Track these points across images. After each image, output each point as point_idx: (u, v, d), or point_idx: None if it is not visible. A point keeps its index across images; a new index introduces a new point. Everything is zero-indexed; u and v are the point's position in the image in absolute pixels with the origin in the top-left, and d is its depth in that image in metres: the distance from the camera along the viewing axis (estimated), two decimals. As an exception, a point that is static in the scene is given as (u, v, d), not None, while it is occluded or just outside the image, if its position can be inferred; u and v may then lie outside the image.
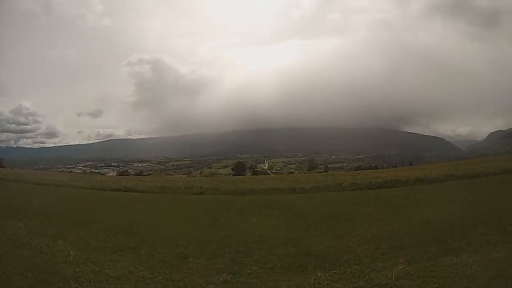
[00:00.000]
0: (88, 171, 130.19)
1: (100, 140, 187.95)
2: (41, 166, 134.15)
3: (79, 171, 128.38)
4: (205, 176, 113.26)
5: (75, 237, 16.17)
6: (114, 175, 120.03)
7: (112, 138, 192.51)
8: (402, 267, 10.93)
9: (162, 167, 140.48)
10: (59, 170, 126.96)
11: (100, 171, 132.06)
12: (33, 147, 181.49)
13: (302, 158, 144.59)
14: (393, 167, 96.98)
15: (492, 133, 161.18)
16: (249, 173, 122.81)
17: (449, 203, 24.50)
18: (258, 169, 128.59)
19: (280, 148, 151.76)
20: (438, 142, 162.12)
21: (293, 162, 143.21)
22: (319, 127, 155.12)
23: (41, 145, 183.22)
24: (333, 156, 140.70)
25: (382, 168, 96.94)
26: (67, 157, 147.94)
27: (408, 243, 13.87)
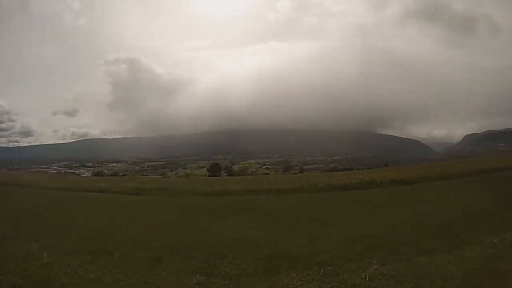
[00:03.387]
0: (63, 171, 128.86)
1: (75, 140, 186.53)
2: (15, 166, 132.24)
3: (54, 172, 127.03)
4: (180, 177, 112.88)
5: (49, 240, 15.95)
6: (89, 175, 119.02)
7: (87, 137, 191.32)
8: (376, 267, 11.02)
9: (137, 167, 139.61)
10: (34, 170, 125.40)
11: (75, 171, 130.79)
12: (8, 146, 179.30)
13: (277, 160, 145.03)
14: (368, 168, 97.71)
15: (467, 135, 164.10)
16: (224, 174, 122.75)
17: (424, 204, 24.82)
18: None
19: (255, 150, 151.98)
20: (413, 145, 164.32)
21: (268, 163, 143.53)
22: (294, 129, 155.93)
23: (16, 144, 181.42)
24: (308, 158, 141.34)
25: (357, 169, 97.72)
26: (42, 157, 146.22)
27: (382, 243, 13.98)
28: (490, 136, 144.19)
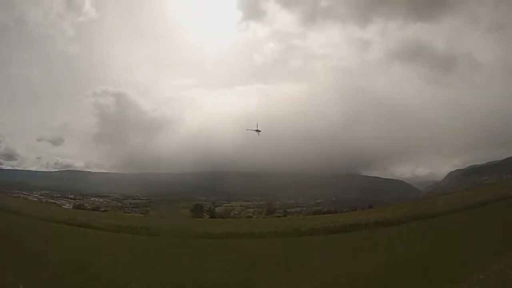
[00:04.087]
0: (44, 200, 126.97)
1: (59, 170, 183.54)
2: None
3: (35, 199, 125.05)
4: (162, 216, 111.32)
5: (26, 270, 15.54)
6: (70, 207, 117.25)
7: (71, 168, 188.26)
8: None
9: (120, 204, 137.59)
10: (14, 195, 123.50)
11: (56, 201, 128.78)
12: None
13: (261, 202, 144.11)
14: (352, 210, 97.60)
15: (451, 172, 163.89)
16: (207, 215, 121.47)
17: (409, 244, 24.72)
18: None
19: (238, 192, 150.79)
20: (397, 184, 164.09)
21: (252, 206, 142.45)
22: (278, 172, 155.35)
23: None
24: (292, 201, 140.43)
25: (342, 212, 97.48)
26: (24, 182, 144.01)
27: (367, 285, 13.79)
28: (474, 171, 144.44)
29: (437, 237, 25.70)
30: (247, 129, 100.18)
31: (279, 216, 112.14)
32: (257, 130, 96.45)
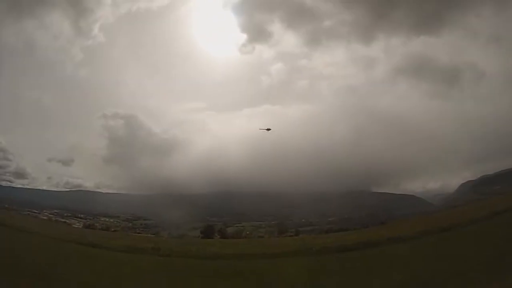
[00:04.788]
0: (54, 218, 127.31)
1: (69, 189, 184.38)
2: (6, 206, 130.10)
3: (45, 218, 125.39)
4: (173, 237, 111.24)
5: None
6: (80, 226, 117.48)
7: (81, 189, 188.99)
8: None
9: (130, 224, 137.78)
10: (24, 213, 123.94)
11: (66, 220, 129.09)
12: (1, 184, 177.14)
13: (272, 222, 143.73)
14: (365, 227, 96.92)
15: (462, 184, 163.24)
16: (218, 236, 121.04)
17: (423, 260, 24.30)
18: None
19: (249, 212, 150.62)
20: (409, 199, 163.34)
21: (263, 226, 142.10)
22: (289, 192, 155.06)
23: (9, 184, 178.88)
24: (303, 220, 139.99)
25: (354, 229, 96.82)
26: (34, 201, 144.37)
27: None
28: (485, 181, 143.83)
29: (451, 251, 25.33)
30: (259, 128, 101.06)
31: (291, 236, 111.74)
32: (267, 129, 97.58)
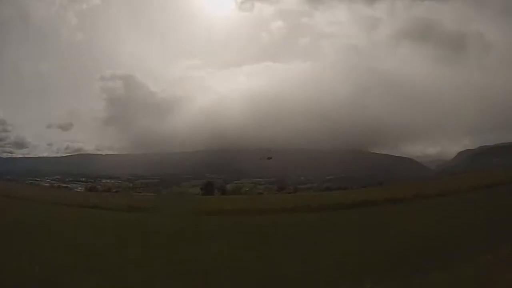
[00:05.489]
0: (56, 185, 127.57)
1: (69, 154, 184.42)
2: (8, 177, 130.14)
3: (47, 185, 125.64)
4: (174, 195, 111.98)
5: (41, 254, 15.72)
6: (82, 190, 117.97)
7: (82, 152, 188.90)
8: (369, 287, 10.88)
9: (131, 184, 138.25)
10: (27, 182, 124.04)
11: (68, 185, 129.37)
12: (2, 156, 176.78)
13: (271, 179, 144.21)
14: (362, 187, 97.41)
15: (460, 152, 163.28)
16: (218, 193, 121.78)
17: (419, 222, 24.70)
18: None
19: (249, 169, 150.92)
20: (407, 163, 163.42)
21: (262, 182, 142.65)
22: (288, 149, 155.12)
23: (10, 155, 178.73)
24: (302, 177, 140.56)
25: (352, 189, 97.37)
26: (35, 169, 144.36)
27: (377, 263, 13.84)
28: (484, 152, 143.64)
29: (447, 216, 25.64)
30: (260, 159, 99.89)
31: (289, 193, 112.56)
32: (268, 158, 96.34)
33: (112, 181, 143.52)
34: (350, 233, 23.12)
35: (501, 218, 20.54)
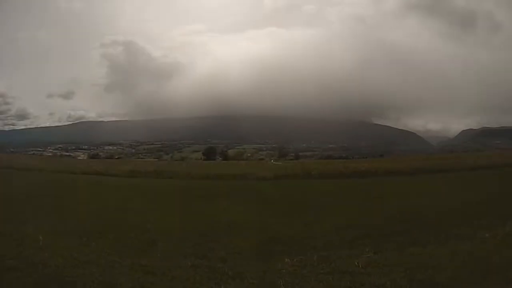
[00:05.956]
0: (59, 154, 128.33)
1: (71, 122, 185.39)
2: (11, 150, 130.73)
3: (50, 154, 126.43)
4: (175, 160, 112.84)
5: (44, 222, 15.92)
6: (85, 158, 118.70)
7: (83, 120, 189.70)
8: (368, 255, 11.06)
9: (133, 150, 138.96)
10: (30, 153, 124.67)
11: (71, 154, 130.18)
12: (4, 129, 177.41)
13: (273, 145, 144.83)
14: (363, 158, 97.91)
15: (463, 131, 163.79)
16: (220, 158, 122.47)
17: (418, 196, 24.91)
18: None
19: (251, 135, 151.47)
20: (409, 136, 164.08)
21: (264, 149, 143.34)
22: (290, 116, 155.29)
23: (12, 128, 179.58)
24: (304, 145, 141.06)
25: (353, 158, 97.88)
26: (38, 139, 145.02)
27: (376, 232, 14.03)
28: (486, 133, 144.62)
29: (446, 192, 25.81)
30: (270, 161, 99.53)
31: (291, 159, 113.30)
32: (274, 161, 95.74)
33: (115, 147, 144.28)
34: (350, 202, 23.34)
35: (501, 199, 20.74)
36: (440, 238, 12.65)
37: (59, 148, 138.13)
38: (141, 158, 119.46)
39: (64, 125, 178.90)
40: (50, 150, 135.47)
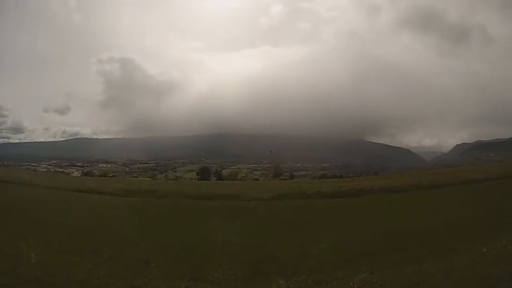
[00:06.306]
0: (52, 169, 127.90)
1: (66, 138, 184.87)
2: (5, 163, 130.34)
3: (44, 170, 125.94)
4: (170, 179, 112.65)
5: (38, 238, 15.79)
6: (78, 175, 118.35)
7: (78, 136, 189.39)
8: (364, 275, 10.98)
9: (127, 169, 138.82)
10: (23, 167, 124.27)
11: (65, 170, 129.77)
12: None
13: (268, 165, 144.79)
14: (358, 176, 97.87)
15: (457, 145, 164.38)
16: (214, 178, 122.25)
17: (413, 212, 24.88)
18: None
19: (245, 154, 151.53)
20: (403, 153, 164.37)
21: (259, 168, 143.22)
22: (285, 135, 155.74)
23: (7, 141, 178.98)
24: (298, 164, 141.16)
25: (347, 177, 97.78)
26: (32, 154, 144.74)
27: (371, 251, 13.97)
28: (480, 146, 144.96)
29: (441, 207, 25.82)
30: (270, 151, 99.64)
31: (285, 179, 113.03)
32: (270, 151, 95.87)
33: (109, 165, 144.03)
34: (345, 220, 23.27)
35: (496, 212, 20.74)
36: (436, 254, 12.60)
37: (53, 164, 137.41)
38: (135, 177, 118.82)
39: (59, 141, 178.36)
40: (44, 165, 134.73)
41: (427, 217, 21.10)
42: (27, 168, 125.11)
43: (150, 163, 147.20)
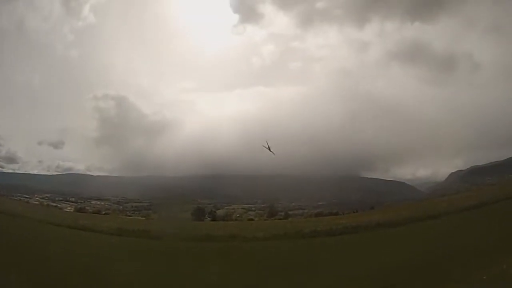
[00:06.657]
0: (45, 203, 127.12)
1: (60, 173, 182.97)
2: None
3: (36, 202, 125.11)
4: (163, 220, 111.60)
5: (29, 273, 15.49)
6: (71, 210, 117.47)
7: (72, 172, 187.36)
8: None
9: (121, 207, 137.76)
10: (16, 198, 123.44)
11: (58, 205, 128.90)
12: None
13: (262, 205, 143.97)
14: (354, 212, 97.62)
15: (452, 173, 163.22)
16: (208, 218, 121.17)
17: (411, 245, 24.80)
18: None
19: (239, 195, 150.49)
20: (398, 186, 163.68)
21: (253, 208, 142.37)
22: (279, 174, 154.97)
23: (0, 170, 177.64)
24: (293, 203, 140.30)
25: (343, 214, 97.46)
26: (25, 185, 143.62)
27: (371, 287, 13.81)
28: (475, 172, 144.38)
29: (439, 238, 25.80)
30: (263, 146, 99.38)
31: (280, 219, 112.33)
32: (269, 148, 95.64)
33: (102, 202, 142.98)
34: (343, 258, 23.06)
35: (494, 237, 20.62)
36: (436, 284, 12.43)
37: (46, 197, 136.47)
38: (129, 216, 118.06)
39: (52, 175, 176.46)
40: (37, 197, 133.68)
41: (425, 249, 21.08)
42: (20, 199, 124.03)
43: (144, 202, 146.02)
